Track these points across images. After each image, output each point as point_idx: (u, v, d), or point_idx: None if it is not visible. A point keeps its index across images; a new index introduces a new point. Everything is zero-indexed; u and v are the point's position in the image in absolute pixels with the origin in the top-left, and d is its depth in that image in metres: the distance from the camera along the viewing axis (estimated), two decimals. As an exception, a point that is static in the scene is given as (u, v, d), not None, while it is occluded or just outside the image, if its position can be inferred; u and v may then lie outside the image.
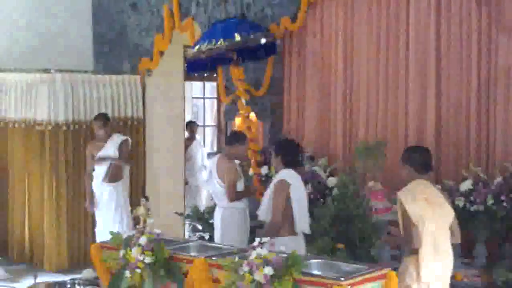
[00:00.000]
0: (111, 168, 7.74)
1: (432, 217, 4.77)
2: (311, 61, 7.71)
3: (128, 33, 9.22)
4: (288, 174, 5.56)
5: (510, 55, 6.29)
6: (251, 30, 7.31)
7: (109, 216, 7.75)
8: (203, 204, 10.18)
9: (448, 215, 4.88)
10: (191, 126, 10.74)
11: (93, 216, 7.97)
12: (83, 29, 9.58)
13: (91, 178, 7.81)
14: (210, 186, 6.68)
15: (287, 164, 5.61)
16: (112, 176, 7.76)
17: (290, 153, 5.65)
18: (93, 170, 7.79)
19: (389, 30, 7.07)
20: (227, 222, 6.46)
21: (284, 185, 5.48)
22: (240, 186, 6.52)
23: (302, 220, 5.54)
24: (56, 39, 9.22)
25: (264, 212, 5.62)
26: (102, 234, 7.59)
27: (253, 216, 6.88)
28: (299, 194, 5.54)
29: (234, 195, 6.40)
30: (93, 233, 7.93)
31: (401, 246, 5.06)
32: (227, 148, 6.58)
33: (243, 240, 6.25)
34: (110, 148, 7.74)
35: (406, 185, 4.93)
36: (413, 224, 4.75)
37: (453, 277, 5.83)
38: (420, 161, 4.96)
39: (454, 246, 4.95)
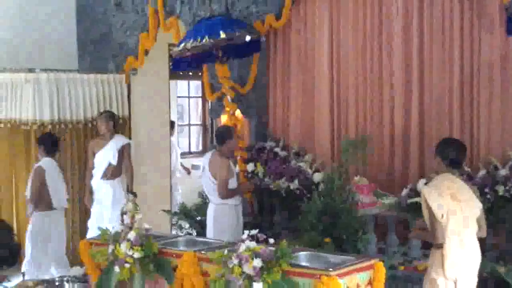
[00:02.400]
0: (110, 167, 7.79)
1: (458, 213, 4.74)
2: (295, 57, 7.76)
3: (113, 32, 9.20)
4: (45, 162, 7.14)
5: (493, 50, 6.37)
6: (236, 28, 7.32)
7: (103, 212, 7.79)
8: (177, 202, 10.11)
9: (475, 210, 4.86)
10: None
11: (87, 212, 8.05)
12: (67, 28, 9.54)
13: (91, 174, 7.88)
14: (203, 183, 6.70)
15: (47, 153, 7.14)
16: (110, 175, 7.83)
17: (48, 144, 7.18)
18: (93, 166, 7.85)
19: (373, 26, 7.14)
20: (219, 219, 6.48)
21: (40, 171, 7.03)
22: (233, 183, 6.54)
23: (56, 198, 7.13)
24: (41, 39, 9.18)
25: (28, 191, 7.17)
26: (93, 228, 7.66)
27: (246, 212, 6.91)
28: (53, 178, 7.09)
29: (225, 192, 6.43)
30: (86, 228, 7.99)
31: (429, 239, 5.02)
32: (219, 147, 6.59)
33: (236, 237, 6.26)
34: (110, 149, 7.80)
35: (434, 177, 4.93)
36: (437, 220, 4.72)
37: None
38: (452, 156, 4.91)
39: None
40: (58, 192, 7.23)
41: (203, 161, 6.77)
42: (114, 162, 7.78)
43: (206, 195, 7.01)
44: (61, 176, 7.37)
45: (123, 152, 7.87)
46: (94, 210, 7.91)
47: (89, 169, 7.95)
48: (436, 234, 4.75)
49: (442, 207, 4.72)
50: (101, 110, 8.32)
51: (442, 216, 4.72)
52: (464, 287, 4.81)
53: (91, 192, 7.91)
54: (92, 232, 7.46)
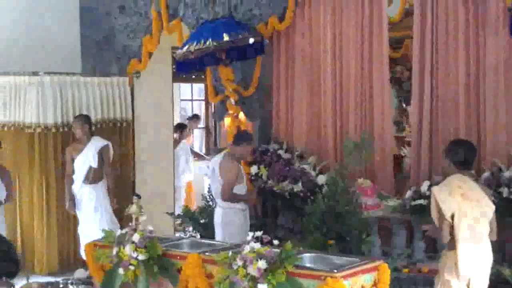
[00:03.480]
0: (91, 171, 7.76)
1: (469, 213, 4.76)
2: (299, 60, 7.75)
3: (116, 35, 9.22)
4: None
5: (498, 51, 6.38)
6: (239, 30, 7.34)
7: (88, 217, 7.77)
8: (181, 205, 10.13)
9: (486, 210, 4.87)
10: (180, 128, 10.80)
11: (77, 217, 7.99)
12: (71, 31, 9.55)
13: (71, 180, 7.83)
14: (211, 185, 6.66)
15: None
16: (92, 178, 7.79)
17: None
18: (73, 171, 7.81)
19: (377, 28, 7.13)
20: (227, 223, 6.42)
21: None
22: (241, 189, 6.47)
23: None
24: (44, 42, 9.19)
25: None
26: (83, 234, 7.75)
27: (250, 215, 6.88)
28: None
29: (228, 195, 6.35)
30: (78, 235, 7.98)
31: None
32: (233, 148, 6.52)
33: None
34: (89, 153, 7.74)
35: (444, 178, 4.97)
36: (445, 219, 4.75)
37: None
38: (461, 156, 4.95)
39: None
40: None
41: (212, 163, 6.66)
42: (95, 164, 7.70)
43: (212, 197, 6.98)
44: None
45: (102, 155, 7.80)
46: (80, 216, 7.87)
47: (68, 175, 7.86)
48: (442, 233, 4.78)
49: (451, 206, 4.74)
50: (77, 114, 8.16)
51: (452, 216, 4.74)
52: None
53: (71, 198, 7.82)
54: (84, 238, 7.46)
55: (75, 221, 8.28)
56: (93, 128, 8.15)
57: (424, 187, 6.34)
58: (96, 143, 7.82)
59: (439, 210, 4.79)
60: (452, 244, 4.79)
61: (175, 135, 10.38)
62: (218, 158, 6.59)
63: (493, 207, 4.91)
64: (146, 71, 9.00)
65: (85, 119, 7.89)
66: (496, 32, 6.35)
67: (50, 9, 9.39)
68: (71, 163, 7.82)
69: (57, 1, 9.46)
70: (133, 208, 5.30)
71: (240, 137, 6.60)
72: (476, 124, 6.53)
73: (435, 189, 4.86)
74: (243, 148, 6.47)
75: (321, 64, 7.54)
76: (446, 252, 4.87)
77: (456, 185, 4.83)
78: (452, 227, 4.77)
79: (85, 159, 7.74)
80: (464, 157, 4.96)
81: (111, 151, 7.96)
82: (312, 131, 7.64)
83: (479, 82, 6.50)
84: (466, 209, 4.75)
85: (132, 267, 4.96)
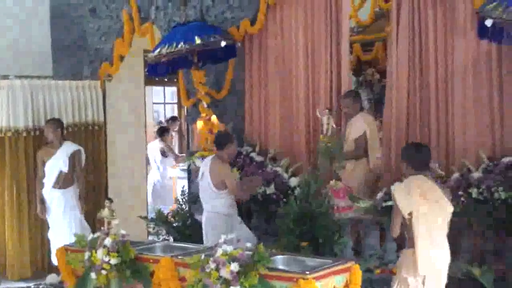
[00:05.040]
0: (61, 176, 7.73)
1: (428, 212, 4.88)
2: (272, 62, 7.77)
3: (88, 38, 9.17)
4: None
5: (466, 54, 6.45)
6: (211, 33, 7.35)
7: (58, 222, 7.75)
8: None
9: (445, 210, 4.98)
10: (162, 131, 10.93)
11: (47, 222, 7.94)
12: (42, 34, 9.48)
13: (41, 184, 7.79)
14: (200, 188, 6.66)
15: None
16: (62, 183, 7.76)
17: None
18: (44, 175, 7.78)
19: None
20: (210, 227, 6.46)
21: None
22: None
23: None
24: (15, 45, 9.12)
25: None
26: (53, 239, 7.73)
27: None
28: None
29: (242, 192, 6.52)
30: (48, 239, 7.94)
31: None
32: (220, 153, 6.55)
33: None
34: (60, 157, 7.72)
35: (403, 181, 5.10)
36: (398, 215, 4.93)
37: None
38: (417, 158, 5.09)
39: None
40: None
41: (202, 167, 6.69)
42: (65, 169, 7.70)
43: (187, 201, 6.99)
44: None
45: (74, 160, 7.79)
46: (50, 220, 7.85)
47: (39, 179, 7.84)
48: (393, 228, 5.00)
49: (409, 205, 4.87)
50: (48, 118, 8.14)
51: (410, 214, 4.87)
52: (431, 286, 4.91)
53: (42, 203, 7.80)
54: (54, 243, 7.43)
55: (48, 225, 8.23)
56: (65, 132, 8.13)
57: (393, 188, 6.39)
58: (68, 147, 7.79)
59: (396, 207, 4.93)
60: (411, 243, 4.93)
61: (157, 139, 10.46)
62: (207, 161, 6.61)
63: (452, 208, 5.03)
64: (118, 74, 8.98)
65: (58, 123, 7.87)
66: (464, 34, 6.42)
67: (20, 12, 9.32)
68: (42, 167, 7.78)
69: (27, 4, 9.39)
70: (105, 212, 5.29)
71: (222, 140, 6.63)
72: (445, 125, 6.60)
73: (395, 186, 5.04)
74: (228, 149, 6.55)
75: (294, 66, 7.56)
76: (405, 250, 5.02)
77: (416, 184, 4.97)
78: (407, 225, 4.89)
79: (56, 163, 7.71)
80: (421, 158, 5.11)
81: (83, 156, 7.94)
82: (285, 134, 7.67)
83: (448, 83, 6.57)
84: (425, 208, 4.89)
85: (104, 272, 4.96)
